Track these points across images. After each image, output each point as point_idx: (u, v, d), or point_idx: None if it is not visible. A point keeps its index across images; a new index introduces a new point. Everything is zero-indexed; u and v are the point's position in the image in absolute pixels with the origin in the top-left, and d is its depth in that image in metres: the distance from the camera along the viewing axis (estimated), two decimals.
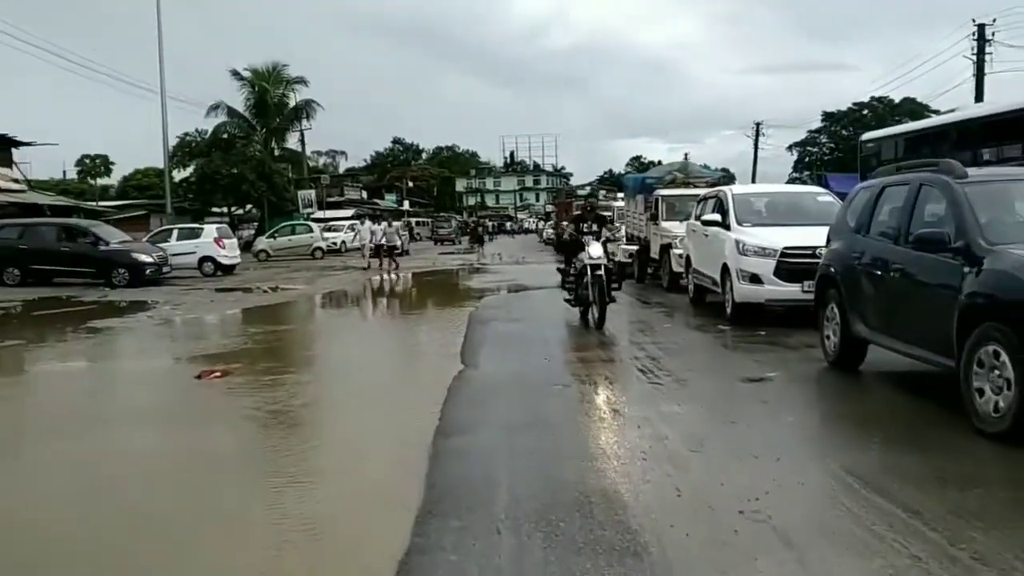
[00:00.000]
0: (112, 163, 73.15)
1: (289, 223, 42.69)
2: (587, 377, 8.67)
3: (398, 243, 30.89)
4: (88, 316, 16.55)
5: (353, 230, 37.06)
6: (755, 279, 11.90)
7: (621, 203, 27.81)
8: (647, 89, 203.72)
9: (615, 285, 12.56)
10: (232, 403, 8.08)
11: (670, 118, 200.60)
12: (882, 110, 75.99)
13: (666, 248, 18.56)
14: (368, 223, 33.17)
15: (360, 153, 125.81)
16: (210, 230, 28.89)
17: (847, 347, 8.26)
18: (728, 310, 12.56)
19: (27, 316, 17.87)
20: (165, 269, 25.65)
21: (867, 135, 21.60)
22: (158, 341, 13.41)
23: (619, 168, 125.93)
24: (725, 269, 12.71)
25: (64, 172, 73.52)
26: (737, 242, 12.32)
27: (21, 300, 20.73)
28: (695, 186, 20.85)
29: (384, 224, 32.34)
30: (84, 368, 11.02)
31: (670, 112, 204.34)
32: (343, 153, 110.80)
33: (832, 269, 8.64)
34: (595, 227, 12.78)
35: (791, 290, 11.43)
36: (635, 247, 22.54)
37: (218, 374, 9.43)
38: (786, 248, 11.66)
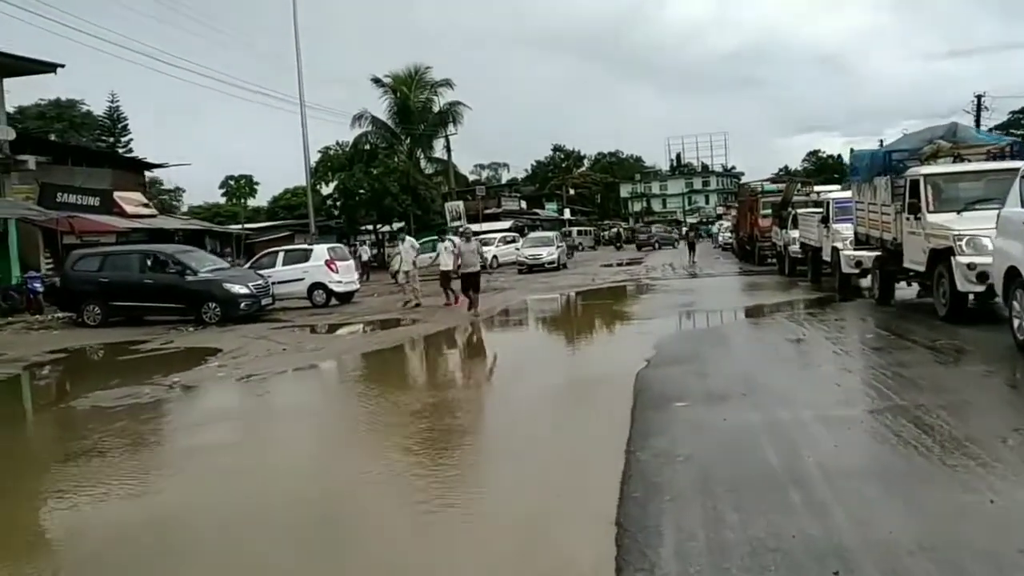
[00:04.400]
0: (256, 183, 71.39)
1: (430, 239, 37.75)
2: None
3: (478, 266, 19.31)
4: (102, 378, 12.02)
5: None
6: None
7: (839, 193, 21.08)
8: (820, 82, 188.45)
9: None
10: None
11: (846, 111, 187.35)
12: None
13: (940, 255, 11.97)
14: (409, 240, 24.20)
15: (523, 164, 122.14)
16: (320, 251, 24.01)
17: None
18: None
19: (29, 381, 13.48)
20: (265, 301, 21.09)
21: None
22: (101, 468, 7.94)
23: (795, 165, 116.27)
24: None
25: (245, 197, 72.57)
26: None
27: (77, 347, 16.82)
28: (967, 160, 14.09)
29: (458, 240, 20.53)
30: None
31: (846, 105, 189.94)
32: (505, 165, 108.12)
33: None
34: None
35: None
36: (872, 252, 15.90)
37: None
38: None
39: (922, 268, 12.81)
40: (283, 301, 22.87)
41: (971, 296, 11.54)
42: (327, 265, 23.22)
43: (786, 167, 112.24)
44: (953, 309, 11.70)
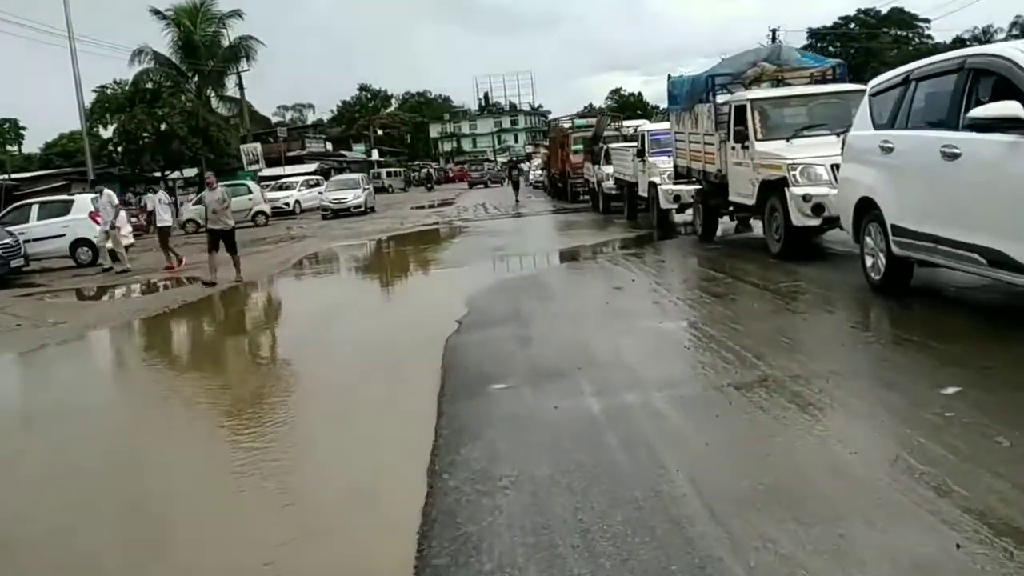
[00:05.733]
0: (23, 128, 64.04)
1: (231, 183, 34.40)
2: None
3: (231, 223, 14.53)
4: None
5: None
6: None
7: (654, 124, 20.11)
8: (620, 22, 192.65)
9: None
10: None
11: (644, 50, 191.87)
12: (871, 22, 70.72)
13: (771, 186, 10.95)
14: (107, 193, 18.84)
15: (328, 104, 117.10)
16: (83, 203, 20.62)
17: None
18: None
19: None
20: (15, 263, 17.98)
21: None
22: None
23: (598, 103, 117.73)
24: None
25: (10, 144, 64.41)
26: None
27: None
28: (790, 83, 13.23)
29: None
30: None
31: (644, 44, 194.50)
32: (310, 106, 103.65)
33: None
34: None
35: None
36: (692, 186, 14.94)
37: None
38: None
39: (751, 201, 11.80)
40: (41, 261, 19.78)
41: (815, 231, 10.68)
42: (91, 218, 20.05)
43: (591, 105, 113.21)
44: (787, 245, 10.74)
